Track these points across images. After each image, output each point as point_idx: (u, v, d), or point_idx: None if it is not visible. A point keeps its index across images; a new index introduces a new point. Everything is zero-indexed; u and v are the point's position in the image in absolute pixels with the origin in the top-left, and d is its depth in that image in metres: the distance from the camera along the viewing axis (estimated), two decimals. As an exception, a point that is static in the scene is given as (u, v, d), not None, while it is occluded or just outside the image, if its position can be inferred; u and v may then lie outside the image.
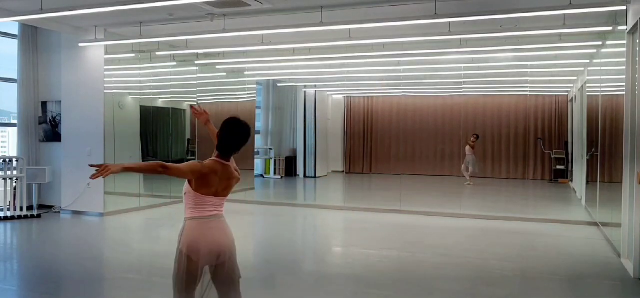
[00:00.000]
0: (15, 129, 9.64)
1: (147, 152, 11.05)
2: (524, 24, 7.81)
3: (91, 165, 2.91)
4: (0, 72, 9.75)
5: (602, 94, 7.90)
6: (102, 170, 2.80)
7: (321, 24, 7.15)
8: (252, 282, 5.61)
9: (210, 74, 12.28)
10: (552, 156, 14.74)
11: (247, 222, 9.20)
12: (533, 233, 7.72)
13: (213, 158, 3.16)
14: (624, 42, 6.00)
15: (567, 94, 14.56)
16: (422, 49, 9.60)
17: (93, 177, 2.86)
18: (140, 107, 10.51)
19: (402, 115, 16.05)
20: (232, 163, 3.21)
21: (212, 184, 3.09)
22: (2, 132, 10.88)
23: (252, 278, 5.75)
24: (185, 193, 3.17)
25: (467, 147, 13.49)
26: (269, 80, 15.19)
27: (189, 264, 3.04)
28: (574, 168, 12.92)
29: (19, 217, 8.61)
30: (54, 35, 9.37)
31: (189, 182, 3.11)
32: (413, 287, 5.16)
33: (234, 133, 3.14)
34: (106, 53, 8.90)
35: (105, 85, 8.91)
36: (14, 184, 8.80)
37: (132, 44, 9.40)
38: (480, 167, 13.85)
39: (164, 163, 2.90)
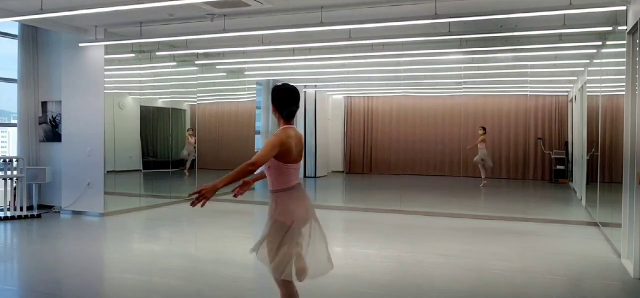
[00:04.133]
0: (15, 129, 9.64)
1: (147, 152, 11.06)
2: (524, 24, 7.81)
3: (190, 194, 3.02)
4: (0, 72, 9.76)
5: (602, 94, 7.90)
6: (201, 197, 2.93)
7: (321, 24, 7.16)
8: (249, 281, 5.62)
9: (210, 74, 12.29)
10: (552, 156, 14.74)
11: (247, 221, 9.20)
12: (533, 233, 7.72)
13: (282, 128, 3.36)
14: (624, 42, 6.00)
15: (567, 94, 14.57)
16: (422, 49, 9.60)
17: (193, 204, 2.98)
18: (140, 107, 10.51)
19: (402, 115, 16.05)
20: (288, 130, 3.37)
21: (292, 150, 3.32)
22: (2, 132, 10.88)
23: (249, 278, 5.76)
24: (268, 167, 3.34)
25: (480, 142, 13.31)
26: (269, 80, 15.17)
27: (288, 230, 3.33)
28: (574, 169, 12.92)
29: (19, 217, 8.61)
30: (54, 35, 9.37)
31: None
32: (413, 287, 5.16)
33: (293, 97, 3.40)
34: (106, 53, 8.90)
35: (105, 85, 8.90)
36: (14, 184, 8.80)
37: (132, 44, 9.41)
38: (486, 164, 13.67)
39: (251, 161, 3.09)
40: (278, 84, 3.45)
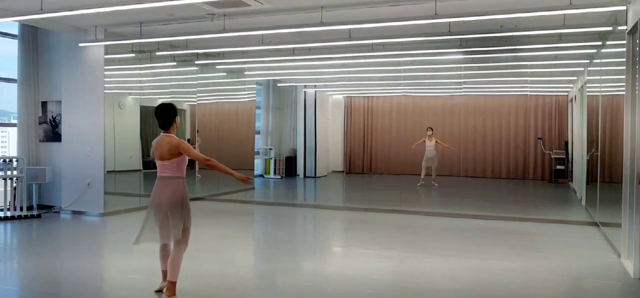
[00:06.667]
0: (15, 129, 9.64)
1: (147, 152, 11.05)
2: (524, 24, 7.81)
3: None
4: (0, 72, 9.76)
5: (602, 94, 7.90)
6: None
7: (321, 24, 7.16)
8: (249, 281, 5.62)
9: (210, 74, 12.28)
10: (552, 156, 14.74)
11: (247, 221, 9.20)
12: (533, 233, 7.72)
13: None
14: (624, 42, 6.00)
15: (567, 94, 14.57)
16: (422, 49, 9.60)
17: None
18: (140, 107, 10.51)
19: (402, 115, 16.04)
20: (171, 137, 4.63)
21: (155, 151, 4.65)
22: (2, 132, 10.88)
23: (249, 278, 5.76)
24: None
25: (430, 142, 13.04)
26: (269, 80, 15.19)
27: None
28: (574, 169, 12.92)
29: (19, 217, 8.61)
30: (54, 35, 9.37)
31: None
32: (413, 287, 5.16)
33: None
34: (106, 53, 8.90)
35: (105, 85, 8.91)
36: (14, 184, 8.80)
37: (132, 44, 9.41)
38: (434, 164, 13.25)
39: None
40: (167, 102, 4.69)
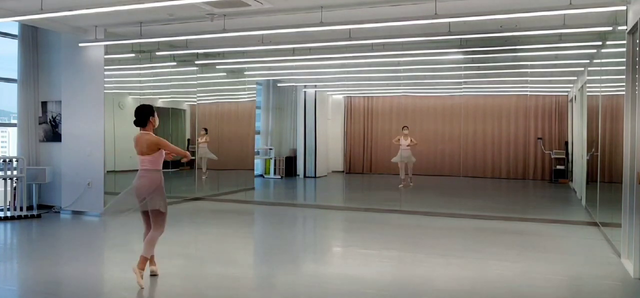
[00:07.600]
0: (15, 129, 9.64)
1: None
2: (524, 24, 7.81)
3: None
4: (0, 72, 9.76)
5: (602, 94, 7.90)
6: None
7: (321, 24, 7.16)
8: (249, 281, 5.62)
9: (210, 74, 12.28)
10: (552, 156, 14.74)
11: (247, 221, 9.20)
12: (533, 233, 7.72)
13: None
14: (624, 42, 6.00)
15: (567, 94, 14.57)
16: (422, 49, 9.60)
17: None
18: (140, 107, 10.52)
19: (402, 115, 16.02)
20: (149, 135, 5.17)
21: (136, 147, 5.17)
22: (2, 132, 10.87)
23: (249, 278, 5.76)
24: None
25: (407, 142, 12.65)
26: (269, 80, 15.19)
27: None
28: (574, 169, 12.92)
29: (19, 217, 8.60)
30: (54, 35, 9.37)
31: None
32: (413, 287, 5.16)
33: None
34: (106, 53, 8.90)
35: (105, 85, 8.91)
36: (14, 184, 8.80)
37: (132, 44, 9.41)
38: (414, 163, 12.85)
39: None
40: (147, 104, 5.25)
